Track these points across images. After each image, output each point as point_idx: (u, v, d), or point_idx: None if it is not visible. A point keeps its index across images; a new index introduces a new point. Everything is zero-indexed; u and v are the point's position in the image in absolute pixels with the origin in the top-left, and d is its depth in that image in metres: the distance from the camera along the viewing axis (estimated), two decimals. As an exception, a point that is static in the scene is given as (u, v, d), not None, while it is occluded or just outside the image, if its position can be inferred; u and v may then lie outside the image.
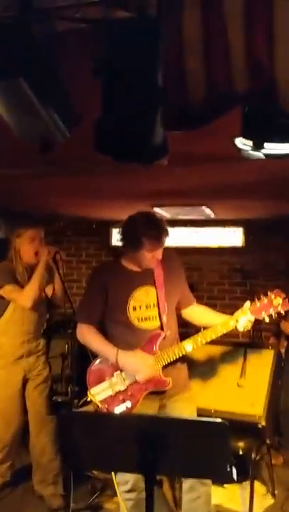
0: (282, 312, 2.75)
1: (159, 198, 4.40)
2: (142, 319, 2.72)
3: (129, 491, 2.69)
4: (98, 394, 2.69)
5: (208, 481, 2.71)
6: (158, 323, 2.73)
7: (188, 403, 2.77)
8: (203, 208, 4.73)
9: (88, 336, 2.79)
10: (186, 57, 1.15)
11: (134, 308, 2.72)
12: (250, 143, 1.29)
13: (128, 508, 2.67)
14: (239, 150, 1.35)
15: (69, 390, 3.21)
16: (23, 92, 1.48)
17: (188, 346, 2.67)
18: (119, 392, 2.67)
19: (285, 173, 3.45)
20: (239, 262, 5.59)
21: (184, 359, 2.81)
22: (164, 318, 2.72)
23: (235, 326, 2.74)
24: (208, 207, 4.76)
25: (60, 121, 1.53)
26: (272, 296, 2.71)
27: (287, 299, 2.76)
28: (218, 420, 1.69)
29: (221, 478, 2.25)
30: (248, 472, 3.53)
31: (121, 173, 3.58)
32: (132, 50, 1.25)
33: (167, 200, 4.44)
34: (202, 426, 1.79)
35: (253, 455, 3.39)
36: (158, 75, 1.28)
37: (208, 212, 4.96)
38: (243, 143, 1.32)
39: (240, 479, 3.66)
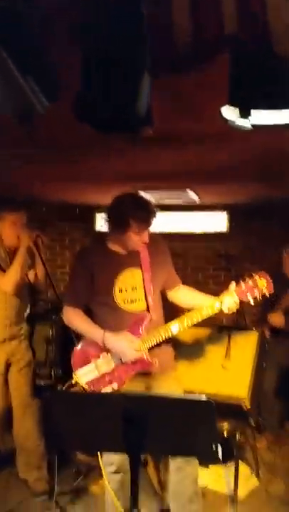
0: (267, 294, 2.70)
1: (143, 182, 4.36)
2: (127, 301, 2.71)
3: (114, 472, 2.69)
4: (84, 376, 2.68)
5: (195, 462, 2.72)
6: (144, 306, 2.72)
7: (174, 383, 2.77)
8: (188, 191, 4.69)
9: (75, 318, 2.77)
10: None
11: (120, 291, 2.70)
12: (237, 111, 1.26)
13: (114, 490, 2.67)
14: (225, 120, 1.32)
15: (52, 373, 3.18)
16: (2, 62, 1.43)
17: (174, 328, 2.66)
18: (105, 374, 2.65)
19: (269, 156, 3.44)
20: (223, 247, 5.59)
21: (170, 341, 2.79)
22: (150, 301, 2.71)
23: (221, 308, 2.72)
24: (192, 190, 4.72)
25: (40, 92, 1.48)
26: (257, 278, 2.68)
27: (271, 281, 2.74)
28: (204, 398, 1.68)
29: (207, 457, 2.26)
30: (232, 454, 3.56)
31: (104, 156, 3.53)
32: (113, 16, 1.21)
33: (151, 183, 4.40)
34: (187, 404, 1.77)
35: (237, 436, 3.42)
36: (143, 42, 1.24)
37: (192, 196, 4.93)
38: (228, 111, 1.29)
39: (225, 461, 3.69)
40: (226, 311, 2.69)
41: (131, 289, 2.71)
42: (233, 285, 2.72)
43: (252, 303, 2.70)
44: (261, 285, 2.66)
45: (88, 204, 5.83)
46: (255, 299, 2.68)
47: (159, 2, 1.14)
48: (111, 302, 2.70)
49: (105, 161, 3.70)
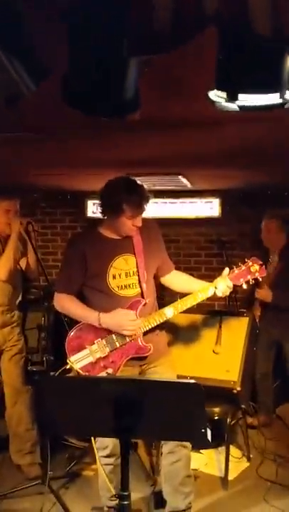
0: (260, 278, 2.85)
1: (135, 168, 4.33)
2: (121, 287, 2.70)
3: (107, 456, 2.72)
4: (78, 361, 2.67)
5: (188, 444, 2.75)
6: (138, 291, 2.72)
7: (168, 368, 2.79)
8: (180, 177, 4.67)
9: (68, 304, 2.76)
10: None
11: (114, 277, 2.70)
12: (224, 94, 1.26)
13: (106, 473, 2.70)
14: (213, 102, 1.31)
15: (45, 360, 3.19)
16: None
17: (168, 312, 2.71)
18: (100, 359, 2.65)
19: (261, 141, 3.43)
20: (215, 232, 5.59)
21: (163, 326, 2.83)
22: (144, 286, 2.71)
23: (215, 293, 2.77)
24: (184, 177, 4.71)
25: (26, 73, 1.46)
26: (250, 263, 2.82)
27: (263, 266, 2.87)
28: (192, 381, 1.69)
29: (197, 441, 2.27)
30: (223, 437, 3.60)
31: (96, 142, 3.50)
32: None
33: (143, 169, 4.37)
34: (176, 387, 1.79)
35: (228, 420, 3.45)
36: (128, 23, 1.22)
37: (184, 182, 4.91)
38: (216, 95, 1.28)
39: (216, 444, 3.74)
40: (219, 294, 2.78)
41: (125, 274, 2.71)
42: (226, 270, 2.81)
43: (244, 287, 2.83)
44: (254, 270, 2.81)
45: (79, 190, 5.80)
46: (247, 282, 2.81)
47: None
48: (105, 288, 2.69)
49: (96, 147, 3.67)
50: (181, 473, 2.76)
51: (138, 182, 2.78)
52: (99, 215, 6.50)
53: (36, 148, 3.69)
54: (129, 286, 2.71)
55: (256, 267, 2.81)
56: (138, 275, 2.72)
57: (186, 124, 3.01)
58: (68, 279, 2.78)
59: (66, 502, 3.06)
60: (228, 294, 2.81)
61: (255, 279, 2.83)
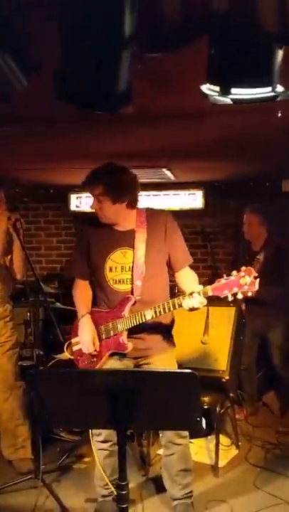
0: (249, 293, 2.34)
1: (120, 161, 4.33)
2: (116, 281, 2.69)
3: (102, 442, 2.75)
4: (75, 345, 2.82)
5: (183, 441, 2.77)
6: (129, 288, 2.67)
7: (163, 363, 2.72)
8: (164, 170, 4.70)
9: (75, 291, 2.88)
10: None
11: (111, 269, 2.70)
12: (217, 88, 1.27)
13: (101, 459, 2.73)
14: (205, 96, 1.33)
15: (34, 354, 3.18)
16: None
17: (147, 315, 2.57)
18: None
19: (243, 133, 3.47)
20: (199, 224, 5.62)
21: (162, 324, 2.73)
22: (138, 283, 2.64)
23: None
24: (168, 170, 4.73)
25: (18, 69, 1.45)
26: (242, 274, 2.32)
27: (257, 280, 2.34)
28: (188, 371, 1.72)
29: (192, 429, 2.31)
30: (212, 426, 3.66)
31: (79, 135, 3.49)
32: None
33: (127, 162, 4.37)
34: (171, 377, 1.81)
35: (217, 409, 3.50)
36: (123, 21, 1.22)
37: (168, 175, 4.94)
38: (209, 88, 1.30)
39: (206, 433, 3.79)
40: (186, 308, 2.46)
41: (121, 268, 2.68)
42: (208, 288, 2.42)
43: (229, 299, 2.35)
44: (243, 282, 2.32)
45: (62, 184, 5.77)
46: (234, 296, 2.33)
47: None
48: (102, 280, 2.72)
49: (80, 140, 3.66)
50: (175, 466, 2.80)
51: (107, 166, 2.71)
52: (82, 209, 6.49)
53: (20, 141, 3.67)
54: (122, 281, 2.68)
55: (247, 279, 2.30)
56: (132, 271, 2.66)
57: (171, 116, 3.03)
58: (76, 264, 2.89)
59: (59, 495, 3.08)
60: (197, 307, 2.42)
61: (244, 294, 2.32)
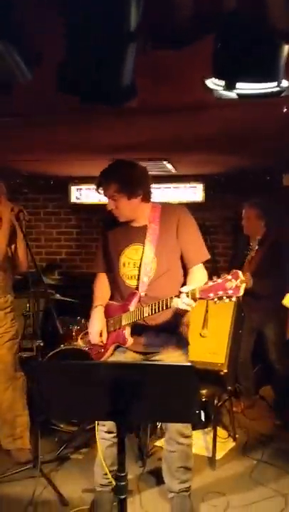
0: (233, 299, 2.24)
1: (120, 153, 4.32)
2: (128, 276, 2.71)
3: (106, 432, 2.77)
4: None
5: (186, 440, 2.78)
6: (136, 284, 2.68)
7: (173, 360, 2.66)
8: (165, 163, 4.68)
9: (95, 283, 2.94)
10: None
11: (124, 265, 2.72)
12: (222, 83, 1.27)
13: (103, 448, 2.75)
14: (210, 90, 1.32)
15: (34, 346, 3.19)
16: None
17: (145, 311, 2.57)
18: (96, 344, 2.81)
19: (245, 127, 3.46)
20: (199, 217, 5.59)
21: (172, 324, 2.68)
22: (145, 279, 2.63)
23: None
24: (169, 162, 4.72)
25: (22, 61, 1.45)
26: (228, 277, 2.21)
27: (243, 285, 2.20)
28: (187, 364, 1.73)
29: (190, 421, 2.31)
30: (210, 418, 3.69)
31: (80, 127, 3.48)
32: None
33: (128, 154, 4.37)
34: (168, 370, 1.82)
35: (215, 401, 3.53)
36: (129, 14, 1.22)
37: (169, 167, 4.93)
38: (214, 83, 1.30)
39: (204, 425, 3.82)
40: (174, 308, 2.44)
41: (133, 264, 2.69)
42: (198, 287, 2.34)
43: (215, 302, 2.26)
44: (229, 286, 2.20)
45: (63, 176, 5.76)
46: (220, 299, 2.24)
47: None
48: (117, 275, 2.76)
49: (81, 132, 3.65)
50: (175, 463, 2.82)
51: (116, 164, 2.69)
52: (82, 201, 6.49)
53: (21, 132, 3.65)
54: (133, 277, 2.70)
55: (233, 283, 2.18)
56: (139, 267, 2.66)
57: (172, 109, 3.01)
58: (98, 258, 2.93)
59: (57, 485, 3.11)
60: (183, 309, 2.38)
61: (229, 297, 2.22)
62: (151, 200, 2.75)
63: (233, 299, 2.22)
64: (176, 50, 1.25)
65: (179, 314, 2.67)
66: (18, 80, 1.45)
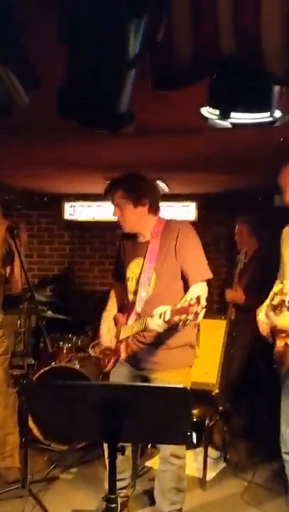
0: (187, 323, 2.25)
1: (113, 171, 4.36)
2: (130, 291, 2.75)
3: None
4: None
5: (178, 461, 2.76)
6: (132, 298, 2.71)
7: (170, 379, 2.63)
8: (158, 182, 4.72)
9: (110, 294, 3.04)
10: (174, 16, 1.13)
11: (128, 279, 2.77)
12: (217, 112, 1.30)
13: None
14: (205, 119, 1.36)
15: (25, 364, 3.17)
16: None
17: (136, 326, 2.61)
18: (106, 348, 2.89)
19: (237, 147, 3.51)
20: (192, 236, 5.64)
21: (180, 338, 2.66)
22: (143, 294, 2.62)
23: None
24: (163, 181, 4.76)
25: (21, 85, 1.48)
26: (192, 302, 2.19)
27: (203, 311, 2.23)
28: (180, 386, 1.73)
29: (182, 442, 2.30)
30: (201, 439, 3.66)
31: (75, 145, 3.52)
32: (100, 13, 1.22)
33: (121, 172, 4.41)
34: (163, 392, 1.82)
35: (206, 422, 3.51)
36: (128, 42, 1.25)
37: (162, 186, 4.97)
38: (209, 112, 1.33)
39: (194, 445, 3.79)
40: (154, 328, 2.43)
41: (135, 279, 2.72)
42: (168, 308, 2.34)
43: (180, 326, 2.28)
44: (191, 311, 2.19)
45: (56, 192, 5.79)
46: (183, 323, 2.25)
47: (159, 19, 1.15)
48: (124, 287, 2.82)
49: (76, 150, 3.69)
50: (167, 483, 2.79)
51: (126, 175, 2.77)
52: (76, 218, 6.50)
53: (13, 148, 3.68)
54: (132, 292, 2.73)
55: (195, 308, 2.17)
56: (138, 282, 2.66)
57: (167, 131, 3.06)
58: (114, 269, 3.02)
59: (46, 505, 3.06)
60: (154, 329, 2.41)
61: (189, 322, 2.22)
62: (159, 215, 2.74)
63: (187, 322, 2.21)
64: (174, 91, 1.29)
65: (180, 332, 2.57)
66: (17, 103, 1.48)
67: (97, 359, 3.00)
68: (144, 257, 2.64)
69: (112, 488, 1.84)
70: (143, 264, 2.65)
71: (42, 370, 3.88)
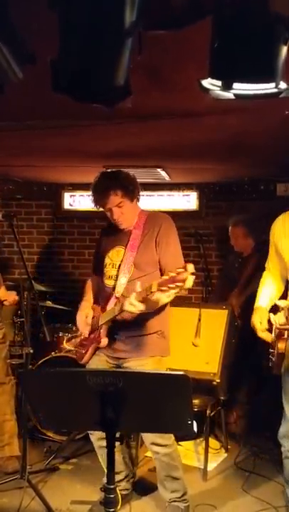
0: (184, 291, 2.21)
1: (113, 160, 4.30)
2: (107, 277, 2.79)
3: (100, 439, 2.75)
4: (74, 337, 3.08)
5: (161, 449, 2.72)
6: (113, 283, 2.74)
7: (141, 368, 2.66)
8: (158, 170, 4.66)
9: (86, 286, 3.05)
10: None
11: (106, 266, 2.81)
12: (219, 83, 1.24)
13: (102, 458, 2.73)
14: (207, 90, 1.29)
15: (24, 353, 3.14)
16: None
17: (115, 311, 2.60)
18: (83, 339, 2.88)
19: (239, 136, 3.44)
20: (193, 225, 5.59)
21: (154, 326, 2.72)
22: (123, 280, 2.68)
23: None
24: (163, 170, 4.69)
25: (13, 60, 1.41)
26: (180, 270, 2.14)
27: (192, 277, 2.15)
28: (180, 373, 1.68)
29: (183, 432, 2.26)
30: (202, 429, 3.63)
31: (74, 133, 3.45)
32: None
33: (121, 161, 4.34)
34: (163, 379, 1.77)
35: (208, 411, 3.47)
36: (124, 11, 1.19)
37: (163, 175, 4.90)
38: (211, 83, 1.27)
39: (195, 436, 3.76)
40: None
41: (112, 265, 2.77)
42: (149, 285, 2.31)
43: (170, 295, 2.32)
44: (181, 278, 2.13)
45: (56, 182, 5.72)
46: (172, 289, 2.17)
47: None
48: (102, 275, 2.84)
49: (75, 138, 3.62)
50: (160, 472, 2.81)
51: (107, 175, 2.79)
52: (75, 208, 6.48)
53: (12, 136, 3.61)
54: (111, 277, 2.77)
55: (184, 275, 2.11)
56: (118, 269, 2.73)
57: (167, 116, 2.99)
58: (93, 261, 3.07)
59: (45, 496, 3.03)
60: (129, 310, 2.41)
61: (179, 289, 2.15)
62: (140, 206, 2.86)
63: (184, 290, 2.16)
64: (171, 32, 1.22)
65: (152, 319, 2.68)
66: (9, 79, 1.42)
67: (75, 352, 2.96)
68: (126, 246, 2.73)
69: (110, 479, 1.80)
70: (124, 253, 2.72)
71: (42, 360, 3.84)
